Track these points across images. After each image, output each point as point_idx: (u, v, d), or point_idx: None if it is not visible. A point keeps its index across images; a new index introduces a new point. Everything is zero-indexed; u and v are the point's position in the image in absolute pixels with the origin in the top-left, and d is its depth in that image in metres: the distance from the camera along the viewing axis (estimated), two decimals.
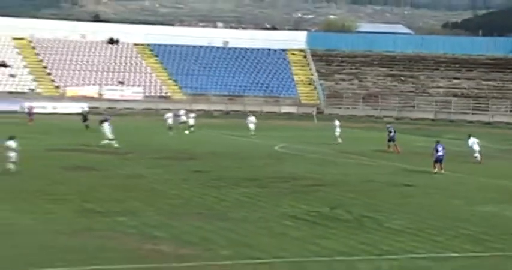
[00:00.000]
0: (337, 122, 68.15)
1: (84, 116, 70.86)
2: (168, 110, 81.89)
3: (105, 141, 58.55)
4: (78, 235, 28.66)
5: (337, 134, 67.17)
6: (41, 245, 27.02)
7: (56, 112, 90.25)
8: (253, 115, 75.84)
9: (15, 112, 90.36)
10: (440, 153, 49.86)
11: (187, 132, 72.22)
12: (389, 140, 62.02)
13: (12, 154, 42.98)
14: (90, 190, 38.74)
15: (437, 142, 51.30)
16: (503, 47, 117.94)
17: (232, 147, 61.98)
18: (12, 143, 43.32)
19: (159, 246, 27.44)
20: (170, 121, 72.38)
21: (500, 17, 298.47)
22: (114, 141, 58.66)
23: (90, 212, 33.18)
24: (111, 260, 25.35)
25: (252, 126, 72.34)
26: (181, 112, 77.45)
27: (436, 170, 49.21)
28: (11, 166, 42.76)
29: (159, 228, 30.22)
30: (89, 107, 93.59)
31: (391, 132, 62.10)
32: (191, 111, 79.86)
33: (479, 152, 55.91)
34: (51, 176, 43.11)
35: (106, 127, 59.69)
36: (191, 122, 74.17)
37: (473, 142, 56.32)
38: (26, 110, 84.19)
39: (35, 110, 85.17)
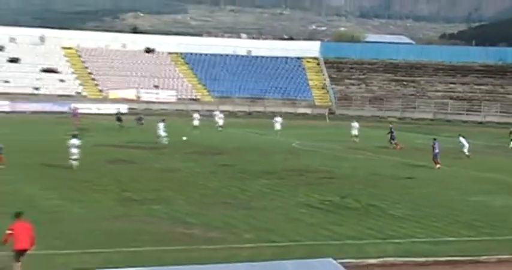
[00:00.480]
0: (356, 124, 66.69)
1: (118, 117, 70.45)
2: (197, 111, 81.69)
3: (164, 139, 58.32)
4: (119, 220, 28.77)
5: (355, 133, 65.77)
6: (87, 229, 27.15)
7: (100, 112, 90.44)
8: (280, 116, 74.73)
9: (64, 112, 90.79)
10: (436, 150, 49.72)
11: (220, 129, 72.73)
12: (391, 138, 61.68)
13: (76, 151, 42.38)
14: (129, 181, 38.86)
15: (434, 139, 51.09)
16: (493, 56, 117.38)
17: (254, 143, 61.95)
18: (75, 141, 42.72)
19: (190, 230, 27.49)
20: (196, 122, 72.14)
21: (491, 29, 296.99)
22: (165, 139, 58.38)
23: (129, 201, 33.29)
24: (147, 242, 25.44)
25: (278, 126, 71.01)
26: (216, 113, 78.37)
27: (438, 165, 49.00)
28: (74, 163, 42.24)
29: (190, 215, 30.28)
30: (128, 108, 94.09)
31: (392, 132, 61.75)
32: (221, 112, 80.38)
33: (468, 149, 55.58)
34: (96, 168, 43.26)
35: (161, 127, 59.53)
36: (220, 122, 73.85)
37: (463, 141, 55.86)
38: (71, 111, 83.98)
39: (80, 111, 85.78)
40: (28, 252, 21.05)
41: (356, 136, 65.20)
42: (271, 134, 69.62)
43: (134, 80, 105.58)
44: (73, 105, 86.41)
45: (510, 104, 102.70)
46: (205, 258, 23.18)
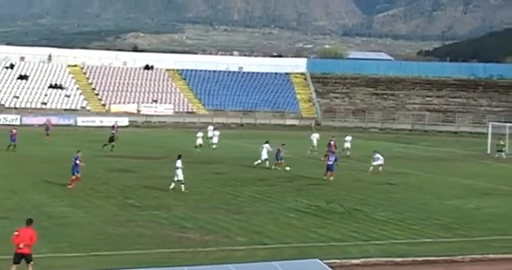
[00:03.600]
0: (348, 137, 64.39)
1: (111, 137, 64.69)
2: (200, 129, 71.38)
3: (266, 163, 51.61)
4: (122, 225, 28.73)
5: (347, 146, 63.00)
6: (92, 233, 27.09)
7: (103, 125, 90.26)
8: (317, 132, 69.58)
9: (70, 125, 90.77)
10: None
11: (215, 146, 65.39)
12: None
13: (179, 172, 38.27)
14: (130, 188, 38.81)
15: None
16: (466, 71, 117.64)
17: (246, 153, 61.84)
18: (179, 163, 38.56)
19: (187, 234, 27.47)
20: (200, 141, 64.72)
21: (463, 46, 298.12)
22: (267, 162, 51.62)
23: (131, 206, 33.25)
24: (148, 245, 25.41)
25: (315, 141, 64.22)
26: (210, 127, 72.95)
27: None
28: (175, 185, 38.18)
29: (187, 220, 30.27)
30: (129, 121, 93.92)
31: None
32: (216, 129, 71.71)
33: (381, 163, 49.99)
34: (99, 177, 43.19)
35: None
36: (215, 140, 66.33)
37: (378, 157, 50.00)
38: (45, 124, 76.70)
39: (82, 124, 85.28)
40: (35, 255, 20.97)
41: (348, 149, 62.93)
42: (310, 149, 63.65)
43: (134, 95, 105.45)
44: (47, 119, 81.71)
45: (482, 115, 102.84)
46: (201, 260, 23.17)
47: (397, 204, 36.11)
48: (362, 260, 24.16)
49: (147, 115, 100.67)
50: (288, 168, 48.31)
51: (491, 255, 25.59)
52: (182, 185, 38.00)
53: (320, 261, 19.92)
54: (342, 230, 28.96)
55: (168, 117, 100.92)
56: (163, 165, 51.07)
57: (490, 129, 72.04)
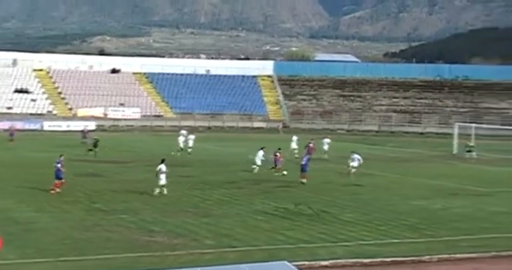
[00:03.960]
0: (327, 140, 64.05)
1: (95, 143, 63.91)
2: (183, 133, 67.59)
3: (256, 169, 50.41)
4: (88, 230, 28.54)
5: (325, 148, 62.54)
6: (59, 238, 26.88)
7: (70, 129, 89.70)
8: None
9: (36, 130, 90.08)
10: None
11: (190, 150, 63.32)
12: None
13: (163, 176, 38.18)
14: (97, 193, 38.56)
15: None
16: (432, 72, 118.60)
17: (214, 156, 61.81)
18: (163, 167, 38.38)
19: (155, 238, 27.36)
20: (182, 144, 63.85)
21: (429, 48, 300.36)
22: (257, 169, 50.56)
23: (98, 211, 33.05)
24: (115, 249, 25.27)
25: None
26: (182, 132, 69.38)
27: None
28: (158, 190, 38.08)
29: (155, 223, 30.14)
30: (96, 125, 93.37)
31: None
32: (191, 133, 69.09)
33: (358, 164, 50.14)
34: (66, 181, 42.77)
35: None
36: (190, 143, 64.42)
37: (355, 157, 50.24)
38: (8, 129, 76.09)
39: (50, 128, 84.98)
40: (2, 261, 20.77)
41: (326, 152, 62.32)
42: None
43: (101, 99, 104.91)
44: (11, 123, 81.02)
45: (448, 116, 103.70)
46: (169, 264, 23.08)
47: (365, 206, 36.26)
48: (330, 261, 24.23)
49: (114, 119, 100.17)
50: (285, 173, 47.69)
51: (458, 255, 25.80)
52: (164, 189, 38.03)
53: (288, 264, 19.90)
54: (310, 232, 29.01)
55: (136, 120, 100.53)
56: (130, 169, 50.88)
57: (456, 129, 72.63)
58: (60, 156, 40.15)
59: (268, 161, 49.89)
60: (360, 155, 50.54)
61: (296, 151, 61.81)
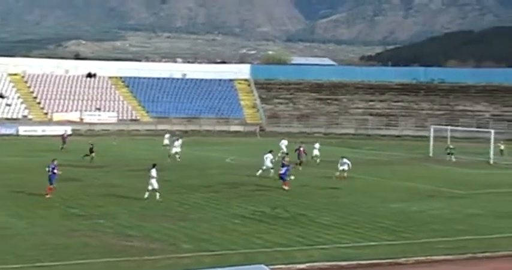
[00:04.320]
0: (317, 145, 62.64)
1: (91, 148, 62.99)
2: (177, 138, 66.82)
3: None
4: (65, 235, 28.44)
5: (316, 153, 60.66)
6: (35, 244, 26.76)
7: (45, 134, 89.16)
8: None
9: (11, 135, 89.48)
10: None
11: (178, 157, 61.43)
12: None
13: (153, 181, 38.53)
14: (74, 198, 38.43)
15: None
16: (408, 75, 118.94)
17: (191, 160, 61.68)
18: (154, 172, 38.80)
19: (132, 242, 27.31)
20: (173, 150, 62.28)
21: (405, 51, 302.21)
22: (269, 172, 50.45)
23: (74, 216, 32.93)
24: (92, 254, 25.19)
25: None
26: (166, 136, 70.51)
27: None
28: (147, 194, 38.28)
29: (132, 228, 30.09)
30: (72, 129, 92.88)
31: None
32: (179, 137, 67.65)
33: (347, 168, 50.73)
34: (42, 186, 42.61)
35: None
36: (178, 149, 62.48)
37: (345, 162, 50.52)
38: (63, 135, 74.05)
39: (27, 133, 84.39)
40: None
41: (317, 156, 60.69)
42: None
43: (77, 103, 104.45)
44: (64, 130, 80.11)
45: (424, 119, 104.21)
46: (147, 268, 23.07)
47: (342, 208, 36.39)
48: (307, 264, 24.30)
49: (90, 123, 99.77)
50: (292, 178, 47.20)
51: (434, 257, 25.98)
52: (157, 193, 38.01)
53: (266, 267, 19.93)
54: (287, 235, 29.08)
55: (112, 125, 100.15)
56: (107, 173, 50.73)
57: (432, 132, 73.07)
58: (53, 160, 40.15)
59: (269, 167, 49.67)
60: (349, 159, 50.58)
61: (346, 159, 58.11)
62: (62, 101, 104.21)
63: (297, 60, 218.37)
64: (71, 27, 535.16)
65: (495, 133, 69.52)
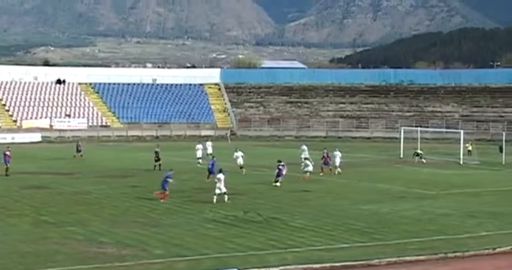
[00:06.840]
0: (304, 147, 62.53)
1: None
2: (200, 142, 68.49)
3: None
4: (35, 243, 28.15)
5: (305, 155, 57.30)
6: (5, 252, 26.45)
7: (14, 142, 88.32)
8: (240, 151, 58.89)
9: None
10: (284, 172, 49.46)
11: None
12: (324, 164, 54.85)
13: (221, 185, 39.07)
14: (44, 205, 38.08)
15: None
16: (377, 77, 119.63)
17: (162, 165, 61.30)
18: (221, 176, 39.35)
19: (104, 249, 27.12)
20: (199, 153, 63.68)
21: (374, 53, 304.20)
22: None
23: (45, 223, 32.63)
24: (63, 262, 24.97)
25: (240, 161, 57.19)
26: (208, 143, 67.70)
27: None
28: (217, 198, 38.95)
29: (103, 235, 29.88)
30: (42, 136, 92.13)
31: (323, 157, 54.91)
32: (208, 140, 68.96)
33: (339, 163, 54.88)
34: (12, 194, 42.24)
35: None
36: (210, 150, 63.60)
37: (336, 154, 55.12)
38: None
39: None
40: None
41: (307, 159, 56.41)
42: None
43: (47, 110, 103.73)
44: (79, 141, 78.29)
45: (394, 120, 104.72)
46: None
47: (314, 211, 36.42)
48: (281, 267, 24.27)
49: (60, 130, 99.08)
50: (278, 184, 46.73)
51: (407, 258, 26.07)
52: (226, 196, 39.18)
53: None
54: (260, 239, 29.03)
55: (82, 131, 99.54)
56: (78, 180, 50.35)
57: (402, 133, 73.43)
58: (170, 170, 42.18)
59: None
60: (341, 152, 52.64)
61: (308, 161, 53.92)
62: (31, 108, 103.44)
63: (267, 63, 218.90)
64: (39, 33, 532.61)
65: (464, 133, 70.04)
